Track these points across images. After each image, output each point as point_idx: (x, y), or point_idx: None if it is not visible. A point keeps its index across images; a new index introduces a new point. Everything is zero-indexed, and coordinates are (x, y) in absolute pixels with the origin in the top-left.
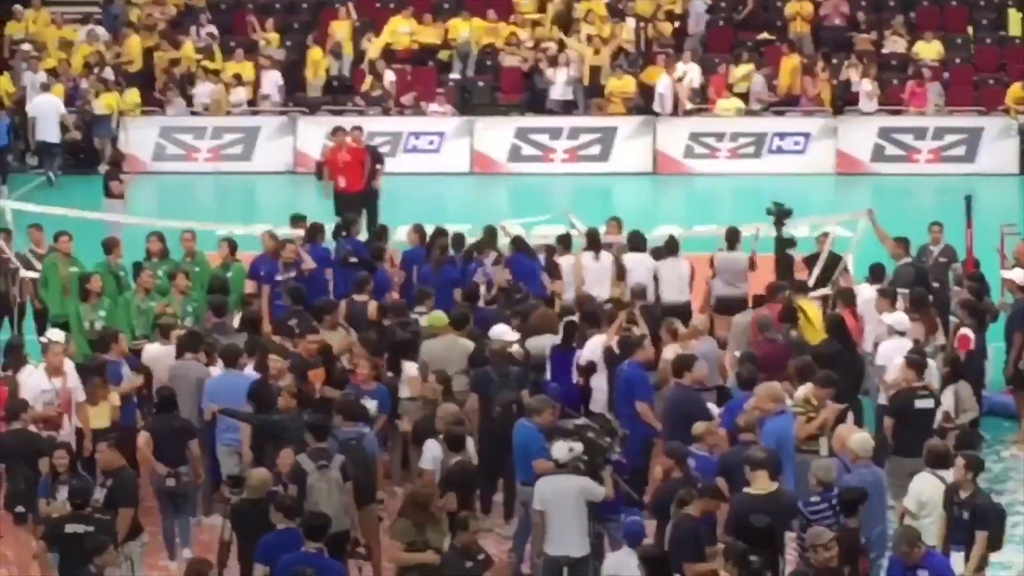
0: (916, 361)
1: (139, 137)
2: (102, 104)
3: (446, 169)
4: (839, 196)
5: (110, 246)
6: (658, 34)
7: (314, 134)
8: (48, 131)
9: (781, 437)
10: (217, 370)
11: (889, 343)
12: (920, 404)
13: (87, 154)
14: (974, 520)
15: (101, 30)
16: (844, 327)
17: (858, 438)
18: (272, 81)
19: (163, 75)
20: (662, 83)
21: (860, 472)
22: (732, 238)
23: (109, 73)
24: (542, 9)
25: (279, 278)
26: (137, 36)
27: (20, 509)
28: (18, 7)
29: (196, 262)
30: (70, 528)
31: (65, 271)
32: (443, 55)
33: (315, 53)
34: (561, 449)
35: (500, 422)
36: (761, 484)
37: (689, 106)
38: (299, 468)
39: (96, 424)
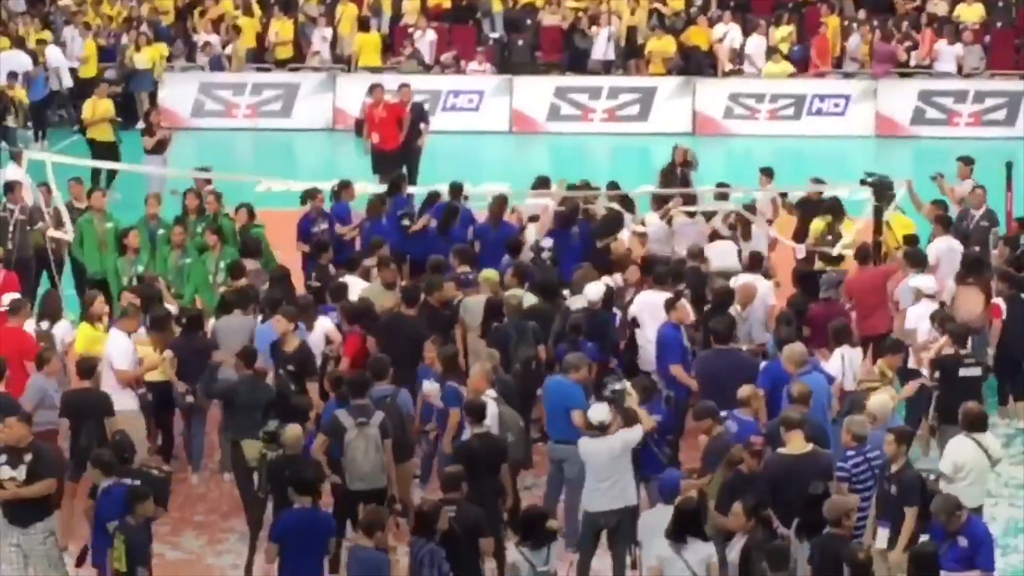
0: (956, 330)
1: (178, 93)
2: (144, 58)
3: (485, 128)
4: (878, 159)
5: (147, 201)
6: None
7: (353, 91)
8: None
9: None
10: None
11: (918, 307)
12: (965, 372)
13: (127, 108)
14: (902, 495)
15: None
16: (815, 280)
17: (877, 399)
18: (320, 37)
19: (205, 26)
20: (751, 43)
21: (876, 436)
22: None
23: (146, 28)
24: None
25: (315, 229)
26: None
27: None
28: None
29: (219, 223)
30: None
31: (101, 227)
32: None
33: (350, 10)
34: (601, 411)
35: (520, 377)
36: (796, 445)
37: (729, 67)
38: (338, 424)
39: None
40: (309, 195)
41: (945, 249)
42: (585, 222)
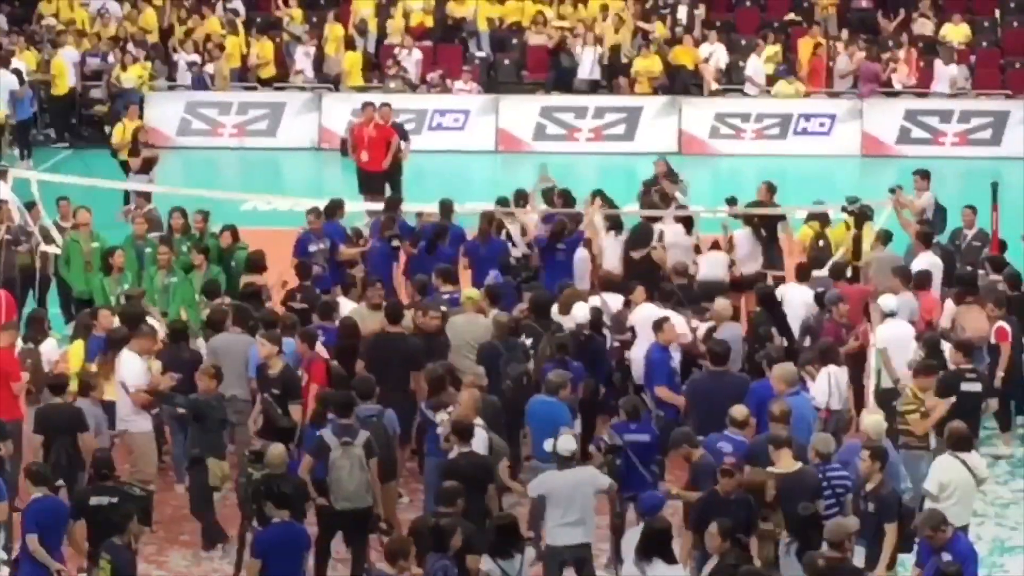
0: (963, 343)
1: (164, 112)
2: (130, 77)
3: (471, 147)
4: (864, 178)
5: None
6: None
7: (339, 110)
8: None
9: (795, 416)
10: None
11: (885, 326)
12: (967, 387)
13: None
14: (879, 513)
15: (114, 6)
16: (774, 300)
17: (871, 420)
18: (304, 55)
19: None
20: (750, 65)
21: (843, 453)
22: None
23: (132, 47)
24: None
25: (312, 248)
26: (153, 9)
27: (60, 483)
28: None
29: (204, 243)
30: (95, 500)
31: (87, 246)
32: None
33: (336, 30)
34: (569, 442)
35: (511, 394)
36: (785, 463)
37: (715, 87)
38: (323, 443)
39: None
40: (330, 210)
41: (927, 265)
42: (572, 238)
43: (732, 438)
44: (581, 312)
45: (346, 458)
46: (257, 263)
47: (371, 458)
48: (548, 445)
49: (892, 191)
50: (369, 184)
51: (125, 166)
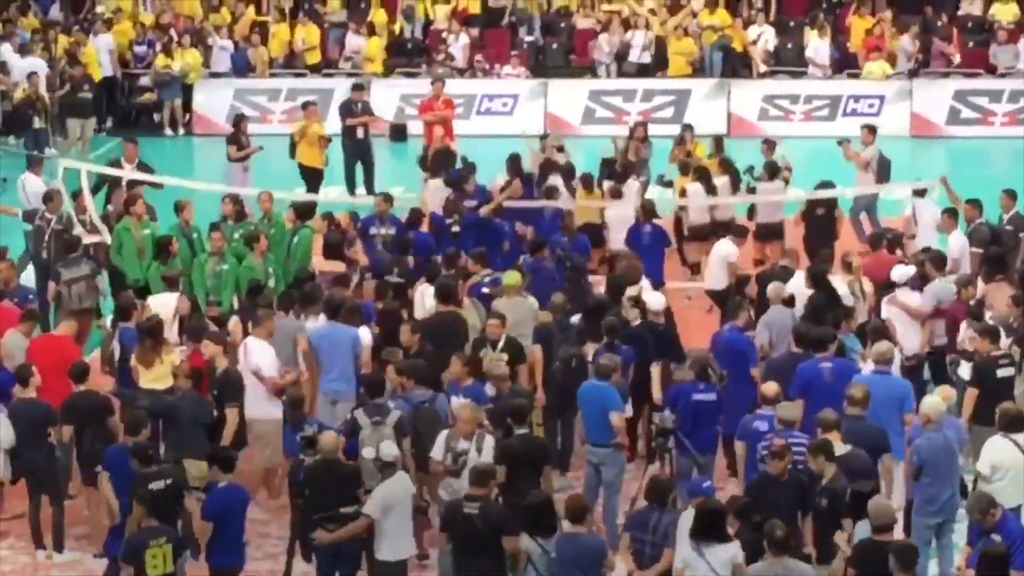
0: (989, 329)
1: (213, 99)
2: (175, 65)
3: (517, 131)
4: (914, 159)
5: (181, 207)
6: None
7: (386, 96)
8: None
9: (810, 378)
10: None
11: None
12: (1002, 372)
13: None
14: (833, 507)
15: None
16: (825, 277)
17: (929, 400)
18: (352, 42)
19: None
20: (812, 46)
21: (928, 436)
22: None
23: (175, 33)
24: None
25: (373, 231)
26: None
27: (98, 469)
28: None
29: (273, 223)
30: (154, 485)
31: (139, 234)
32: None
33: (378, 15)
34: (390, 448)
35: (561, 376)
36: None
37: (763, 68)
38: (354, 422)
39: (155, 385)
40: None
41: (957, 243)
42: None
43: (767, 416)
44: (657, 301)
45: (376, 437)
46: (335, 248)
47: (403, 438)
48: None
49: (840, 143)
50: (444, 160)
51: (301, 170)
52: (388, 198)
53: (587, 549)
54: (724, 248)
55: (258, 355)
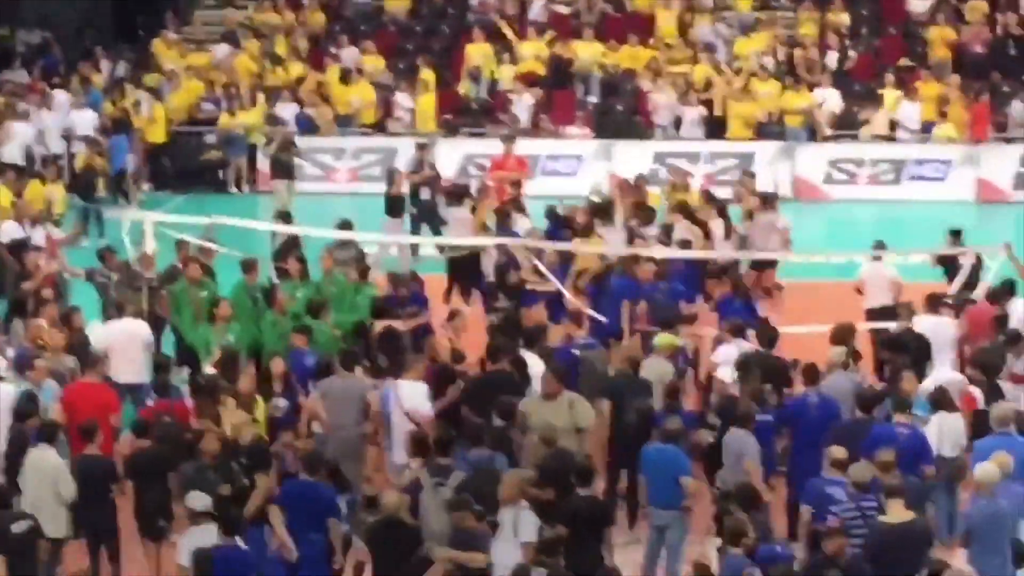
0: None
1: None
2: (239, 123)
3: (584, 192)
4: (980, 225)
5: (248, 267)
6: (804, 59)
7: (451, 156)
8: None
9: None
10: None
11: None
12: None
13: (224, 173)
14: None
15: (222, 49)
16: (852, 333)
17: (983, 466)
18: (404, 102)
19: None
20: (903, 111)
21: (979, 504)
22: None
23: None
24: (683, 33)
25: None
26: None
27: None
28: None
29: (333, 280)
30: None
31: (195, 296)
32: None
33: (426, 75)
34: (200, 498)
35: (634, 429)
36: (896, 513)
37: (828, 132)
38: (417, 481)
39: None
40: None
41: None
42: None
43: (839, 481)
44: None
45: (434, 499)
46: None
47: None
48: None
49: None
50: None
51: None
52: None
53: None
54: None
55: (415, 398)
